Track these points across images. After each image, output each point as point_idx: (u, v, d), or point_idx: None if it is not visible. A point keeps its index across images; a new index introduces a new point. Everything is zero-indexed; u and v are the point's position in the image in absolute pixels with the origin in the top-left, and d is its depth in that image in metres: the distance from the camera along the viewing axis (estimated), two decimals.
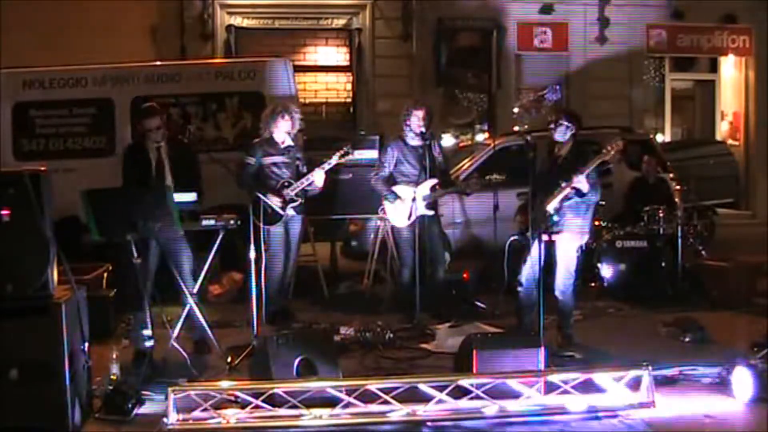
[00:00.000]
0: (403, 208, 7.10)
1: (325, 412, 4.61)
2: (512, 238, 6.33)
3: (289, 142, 6.99)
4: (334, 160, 6.87)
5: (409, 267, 7.09)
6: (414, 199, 7.06)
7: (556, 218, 5.88)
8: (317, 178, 6.86)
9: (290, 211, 6.91)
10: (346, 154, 6.90)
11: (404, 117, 7.15)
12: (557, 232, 5.93)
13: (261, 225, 6.56)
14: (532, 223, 6.03)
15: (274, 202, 6.73)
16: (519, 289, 6.23)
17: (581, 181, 5.81)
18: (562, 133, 6.08)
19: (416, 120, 7.06)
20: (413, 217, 7.03)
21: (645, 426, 4.64)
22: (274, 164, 6.94)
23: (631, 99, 14.73)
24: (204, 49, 13.32)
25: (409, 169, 7.15)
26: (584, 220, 6.12)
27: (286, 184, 6.88)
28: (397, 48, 13.90)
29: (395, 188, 7.16)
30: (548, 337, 5.63)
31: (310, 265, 8.30)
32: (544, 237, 5.84)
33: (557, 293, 6.15)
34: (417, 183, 7.07)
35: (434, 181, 7.09)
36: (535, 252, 6.04)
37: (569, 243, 6.08)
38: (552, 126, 6.13)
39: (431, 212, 7.13)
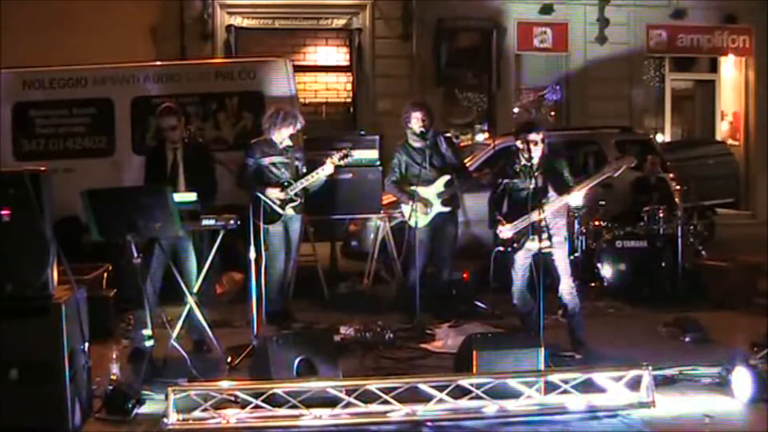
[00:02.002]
0: (414, 210, 7.07)
1: (325, 412, 4.61)
2: (497, 250, 6.26)
3: (287, 142, 6.99)
4: (334, 161, 6.86)
5: (417, 268, 7.01)
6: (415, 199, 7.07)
7: (547, 228, 5.80)
8: (318, 178, 6.87)
9: (289, 211, 6.91)
10: (346, 156, 6.90)
11: (405, 119, 7.16)
12: (547, 239, 5.88)
13: (261, 225, 6.57)
14: (516, 233, 5.96)
15: (273, 200, 6.73)
16: (514, 302, 6.20)
17: (577, 199, 5.84)
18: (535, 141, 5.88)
19: (416, 121, 7.08)
20: (427, 219, 7.01)
21: (645, 426, 4.64)
22: (273, 164, 6.93)
23: (631, 99, 14.74)
24: (204, 49, 13.32)
25: (418, 171, 7.11)
26: (564, 219, 6.11)
27: (285, 184, 6.89)
28: (397, 48, 13.91)
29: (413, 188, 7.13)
30: (548, 337, 5.62)
31: (310, 265, 8.29)
32: (537, 245, 5.79)
33: (566, 297, 6.06)
34: (426, 183, 7.06)
35: (447, 177, 7.08)
36: (521, 262, 6.02)
37: (560, 246, 6.03)
38: (525, 138, 5.90)
39: (447, 209, 7.12)
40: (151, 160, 6.25)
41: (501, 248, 6.10)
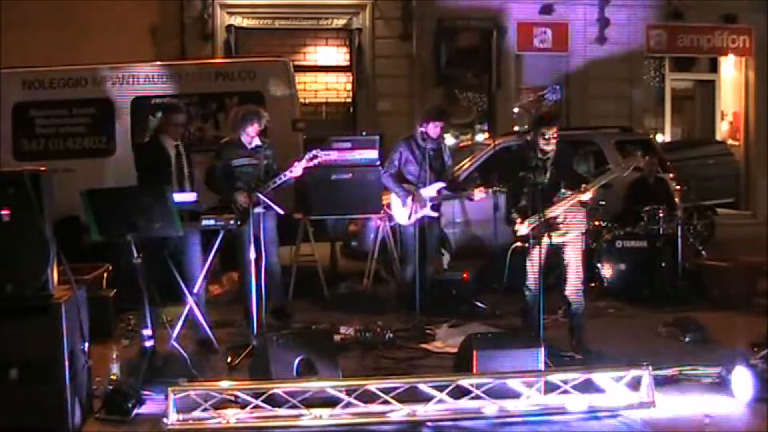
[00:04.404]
0: (407, 207, 7.16)
1: (325, 412, 4.61)
2: (515, 245, 6.28)
3: (257, 142, 6.88)
4: (303, 163, 6.66)
5: (411, 263, 7.14)
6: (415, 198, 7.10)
7: (561, 224, 5.86)
8: (285, 180, 6.68)
9: (259, 211, 6.58)
10: (315, 157, 6.69)
11: (424, 121, 7.19)
12: (563, 234, 5.91)
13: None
14: (533, 228, 5.96)
15: (242, 202, 6.48)
16: (527, 293, 6.20)
17: (588, 196, 5.80)
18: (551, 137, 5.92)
19: (438, 129, 7.13)
20: (415, 217, 7.06)
21: (645, 426, 4.64)
22: (242, 166, 6.76)
23: (631, 99, 14.73)
24: (204, 49, 13.31)
25: (416, 170, 7.17)
26: (582, 214, 6.08)
27: (253, 185, 6.58)
28: (397, 48, 13.90)
29: (407, 186, 7.23)
30: (548, 337, 5.63)
31: (310, 265, 8.30)
32: (550, 240, 5.83)
33: (571, 294, 6.07)
34: (423, 183, 7.10)
35: (442, 184, 7.18)
36: (537, 257, 5.99)
37: (576, 241, 6.05)
38: (541, 132, 5.94)
39: (435, 213, 7.21)
40: (150, 156, 6.19)
41: (519, 244, 6.12)
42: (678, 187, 9.13)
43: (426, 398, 4.71)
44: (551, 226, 5.80)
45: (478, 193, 7.27)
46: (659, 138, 14.46)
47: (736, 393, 4.96)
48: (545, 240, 5.86)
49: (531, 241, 5.99)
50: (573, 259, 6.03)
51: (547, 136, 5.88)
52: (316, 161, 6.78)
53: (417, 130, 7.25)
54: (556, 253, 6.00)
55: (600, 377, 4.87)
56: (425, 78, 13.96)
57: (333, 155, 7.99)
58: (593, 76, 14.43)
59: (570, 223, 5.95)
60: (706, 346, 6.23)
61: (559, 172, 5.94)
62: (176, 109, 6.26)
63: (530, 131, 6.06)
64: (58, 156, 8.58)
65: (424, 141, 7.17)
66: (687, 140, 15.45)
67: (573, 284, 6.05)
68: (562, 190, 5.87)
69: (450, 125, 13.80)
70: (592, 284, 8.12)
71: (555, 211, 5.83)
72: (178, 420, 4.54)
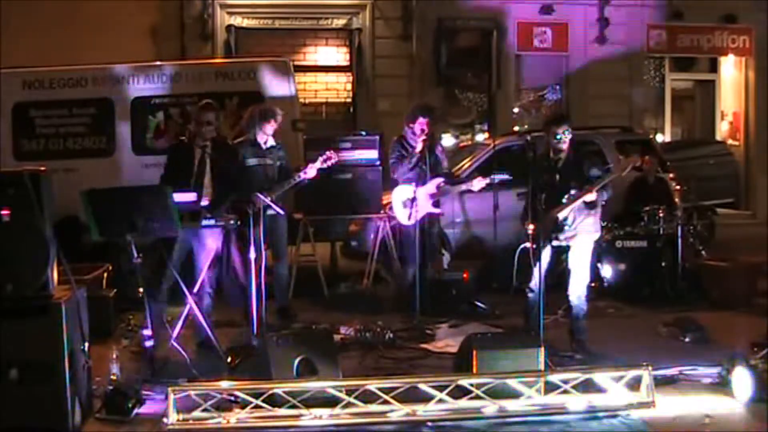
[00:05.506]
0: (408, 207, 7.16)
1: (325, 412, 4.61)
2: (523, 246, 6.27)
3: (271, 142, 6.92)
4: (317, 164, 6.74)
5: (413, 264, 7.11)
6: (414, 199, 7.08)
7: (567, 226, 5.85)
8: (299, 183, 6.77)
9: (272, 213, 6.63)
10: (329, 159, 6.78)
11: (409, 119, 7.16)
12: (572, 237, 5.90)
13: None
14: (540, 229, 5.95)
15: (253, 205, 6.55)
16: (530, 294, 6.19)
17: (593, 197, 5.77)
18: (562, 136, 5.94)
19: (420, 126, 7.10)
20: (418, 216, 7.05)
21: (645, 426, 4.64)
22: (256, 166, 6.83)
23: (631, 99, 14.72)
24: (204, 49, 13.31)
25: (410, 169, 7.18)
26: (595, 218, 6.02)
27: (266, 186, 6.63)
28: (397, 48, 13.90)
29: (401, 188, 7.22)
30: (548, 337, 5.63)
31: (310, 265, 8.30)
32: (557, 242, 5.82)
33: (573, 298, 6.07)
34: (419, 183, 7.10)
35: (440, 179, 7.16)
36: (546, 257, 6.00)
37: (584, 245, 6.01)
38: (552, 131, 5.95)
39: (438, 210, 7.17)
40: (177, 156, 6.25)
41: (527, 244, 6.10)
42: (678, 187, 9.13)
43: (426, 398, 4.71)
44: (559, 227, 5.79)
45: (478, 183, 7.28)
46: (659, 138, 14.45)
47: (736, 393, 4.96)
48: (554, 242, 5.86)
49: (540, 242, 5.97)
50: (578, 263, 6.01)
51: (558, 136, 5.89)
52: (329, 162, 6.81)
53: (405, 129, 7.23)
54: (563, 255, 5.99)
55: (600, 377, 4.87)
56: (425, 78, 13.96)
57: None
58: (593, 76, 14.42)
59: (579, 225, 5.91)
60: (706, 346, 6.23)
61: (570, 174, 5.92)
62: (206, 109, 6.23)
63: (545, 130, 6.05)
64: (58, 156, 8.59)
65: (414, 140, 7.16)
66: (687, 140, 15.45)
67: (575, 289, 6.05)
68: (572, 192, 5.86)
69: (446, 123, 13.86)
70: (592, 284, 8.10)
71: (562, 213, 5.81)
72: (178, 420, 4.53)
